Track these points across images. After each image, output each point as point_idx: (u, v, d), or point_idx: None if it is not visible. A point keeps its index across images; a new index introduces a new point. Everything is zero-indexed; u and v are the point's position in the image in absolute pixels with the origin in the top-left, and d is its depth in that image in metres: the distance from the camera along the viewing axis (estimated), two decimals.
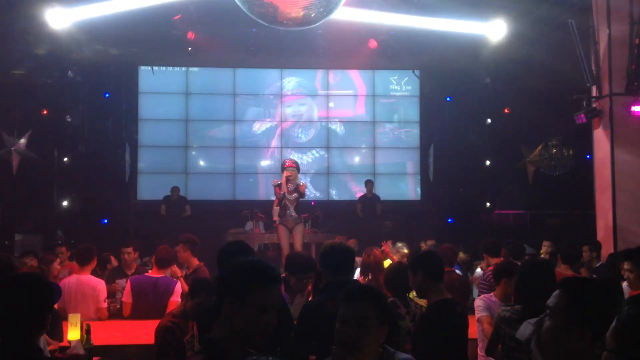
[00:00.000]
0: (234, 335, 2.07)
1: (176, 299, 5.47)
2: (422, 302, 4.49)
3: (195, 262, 6.15)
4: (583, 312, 1.82)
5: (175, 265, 6.04)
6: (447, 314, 3.49)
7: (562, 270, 5.78)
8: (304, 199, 9.10)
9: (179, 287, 5.65)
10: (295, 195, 8.60)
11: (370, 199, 12.07)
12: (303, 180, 9.16)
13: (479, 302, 4.38)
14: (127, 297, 5.71)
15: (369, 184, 12.26)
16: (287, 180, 8.57)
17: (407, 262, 3.74)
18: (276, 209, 9.01)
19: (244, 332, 2.06)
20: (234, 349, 2.07)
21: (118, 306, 5.90)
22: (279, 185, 8.68)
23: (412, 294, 4.29)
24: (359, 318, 2.42)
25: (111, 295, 5.98)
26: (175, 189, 12.09)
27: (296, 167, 8.77)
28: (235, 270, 2.14)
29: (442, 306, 3.51)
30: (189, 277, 5.78)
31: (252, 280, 2.07)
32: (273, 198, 9.14)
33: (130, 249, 6.61)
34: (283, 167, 8.83)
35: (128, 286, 5.77)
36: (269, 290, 2.09)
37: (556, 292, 1.98)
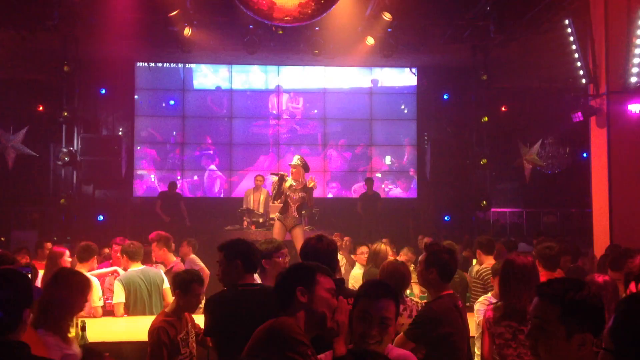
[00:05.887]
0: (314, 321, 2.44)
1: (167, 285, 5.40)
2: (417, 298, 4.48)
3: (172, 258, 6.10)
4: None
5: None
6: (449, 307, 3.47)
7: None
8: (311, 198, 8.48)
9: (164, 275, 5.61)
10: (300, 195, 8.24)
11: (370, 197, 12.07)
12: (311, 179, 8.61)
13: (479, 307, 4.31)
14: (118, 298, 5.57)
15: (369, 181, 12.24)
16: (281, 179, 8.24)
17: (423, 257, 3.68)
18: (275, 205, 8.81)
19: (318, 315, 2.43)
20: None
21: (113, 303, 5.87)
22: (277, 177, 8.34)
23: (407, 292, 4.29)
24: (383, 316, 2.44)
25: None
26: (172, 185, 12.09)
27: (302, 164, 8.36)
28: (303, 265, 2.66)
29: (445, 300, 3.50)
30: (168, 273, 5.64)
31: (315, 272, 2.53)
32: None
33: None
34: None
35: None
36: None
37: None
